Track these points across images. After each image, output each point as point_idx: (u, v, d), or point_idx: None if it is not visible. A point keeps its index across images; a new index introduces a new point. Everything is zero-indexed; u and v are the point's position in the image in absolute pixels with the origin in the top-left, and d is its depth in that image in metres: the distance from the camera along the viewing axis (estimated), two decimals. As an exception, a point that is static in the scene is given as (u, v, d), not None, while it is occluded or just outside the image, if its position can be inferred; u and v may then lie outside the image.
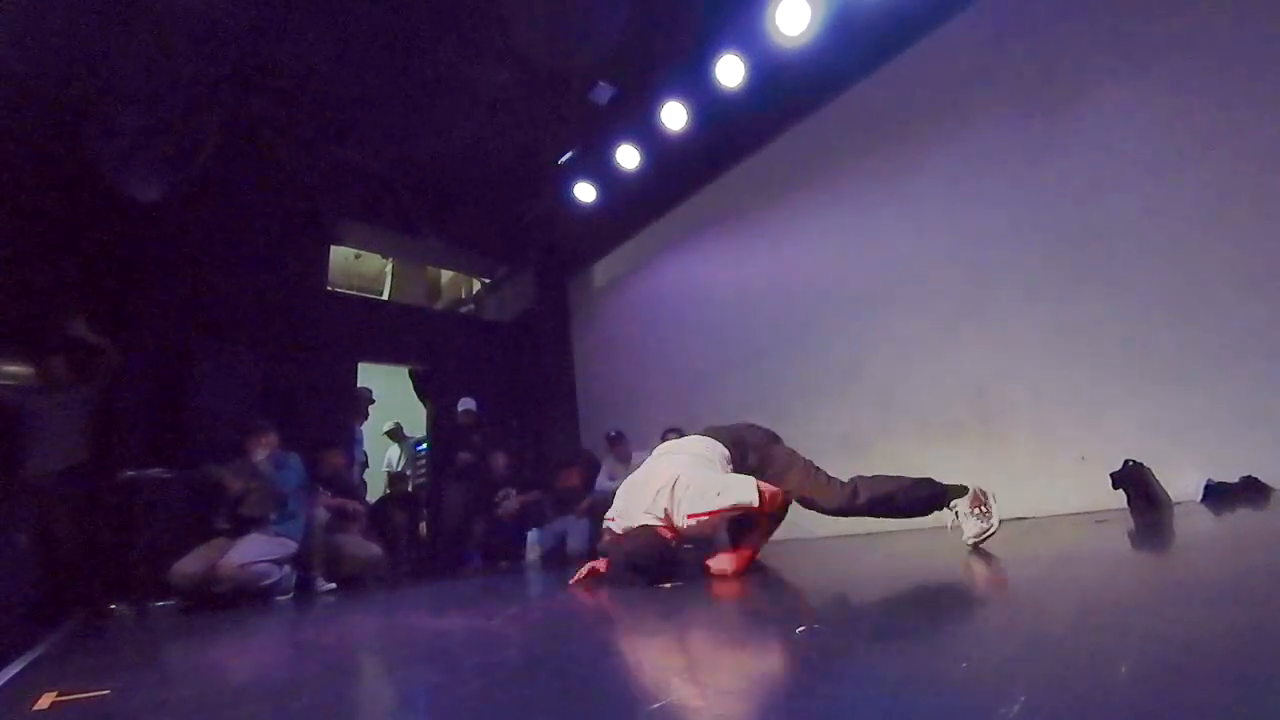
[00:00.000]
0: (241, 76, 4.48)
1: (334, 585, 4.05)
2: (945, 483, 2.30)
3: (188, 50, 4.07)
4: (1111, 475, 2.90)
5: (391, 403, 6.95)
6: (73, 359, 4.26)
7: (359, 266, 8.12)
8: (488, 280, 8.08)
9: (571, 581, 2.64)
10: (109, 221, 4.59)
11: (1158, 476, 2.83)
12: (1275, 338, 2.73)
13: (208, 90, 4.37)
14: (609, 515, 2.58)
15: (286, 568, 3.74)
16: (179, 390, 4.60)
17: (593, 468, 5.34)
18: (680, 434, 4.53)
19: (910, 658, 0.92)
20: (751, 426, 2.69)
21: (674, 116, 5.01)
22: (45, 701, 1.28)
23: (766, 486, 2.18)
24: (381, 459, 7.22)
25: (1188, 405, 2.95)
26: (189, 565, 3.40)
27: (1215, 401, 2.87)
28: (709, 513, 2.18)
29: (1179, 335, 3.00)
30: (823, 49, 4.30)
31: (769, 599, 1.87)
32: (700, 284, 5.74)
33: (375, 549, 4.33)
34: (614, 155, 5.49)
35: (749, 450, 2.52)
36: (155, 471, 4.00)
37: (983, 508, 2.21)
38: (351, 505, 4.47)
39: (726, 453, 2.50)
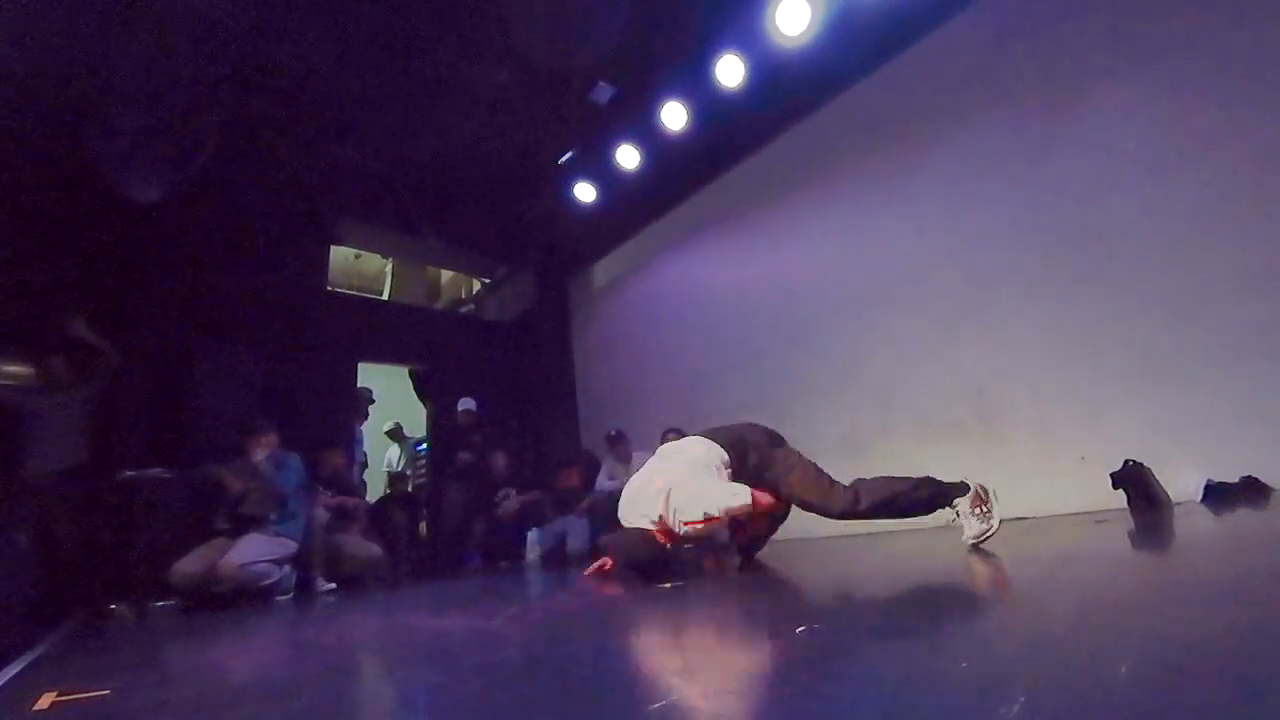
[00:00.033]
0: (241, 76, 4.48)
1: (334, 585, 4.05)
2: (946, 481, 2.29)
3: (188, 50, 4.07)
4: (1111, 475, 2.90)
5: (391, 403, 6.95)
6: (73, 359, 4.26)
7: (359, 266, 8.12)
8: (488, 280, 8.08)
9: (585, 572, 2.73)
10: (109, 221, 4.59)
11: (1158, 476, 2.83)
12: (1275, 338, 2.73)
13: (208, 90, 4.37)
14: (619, 514, 2.65)
15: (286, 568, 3.74)
16: (179, 390, 4.60)
17: (592, 468, 5.34)
18: (680, 434, 4.54)
19: (910, 658, 0.92)
20: (753, 426, 2.68)
21: (674, 116, 5.01)
22: (45, 701, 1.28)
23: (761, 495, 2.23)
24: (381, 459, 7.22)
25: (1188, 405, 2.95)
26: (189, 565, 3.40)
27: (1215, 401, 2.87)
28: (705, 520, 2.25)
29: (1179, 335, 3.00)
30: (823, 49, 4.30)
31: (769, 599, 1.87)
32: (700, 284, 5.74)
33: (375, 549, 4.34)
34: (614, 155, 5.49)
35: (749, 450, 2.51)
36: (155, 471, 4.00)
37: (983, 507, 2.21)
38: (352, 502, 4.48)
39: (725, 456, 2.49)
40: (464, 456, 5.76)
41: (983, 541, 2.17)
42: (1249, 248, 2.83)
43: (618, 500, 4.68)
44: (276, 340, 5.28)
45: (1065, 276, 3.42)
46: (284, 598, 3.69)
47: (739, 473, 2.49)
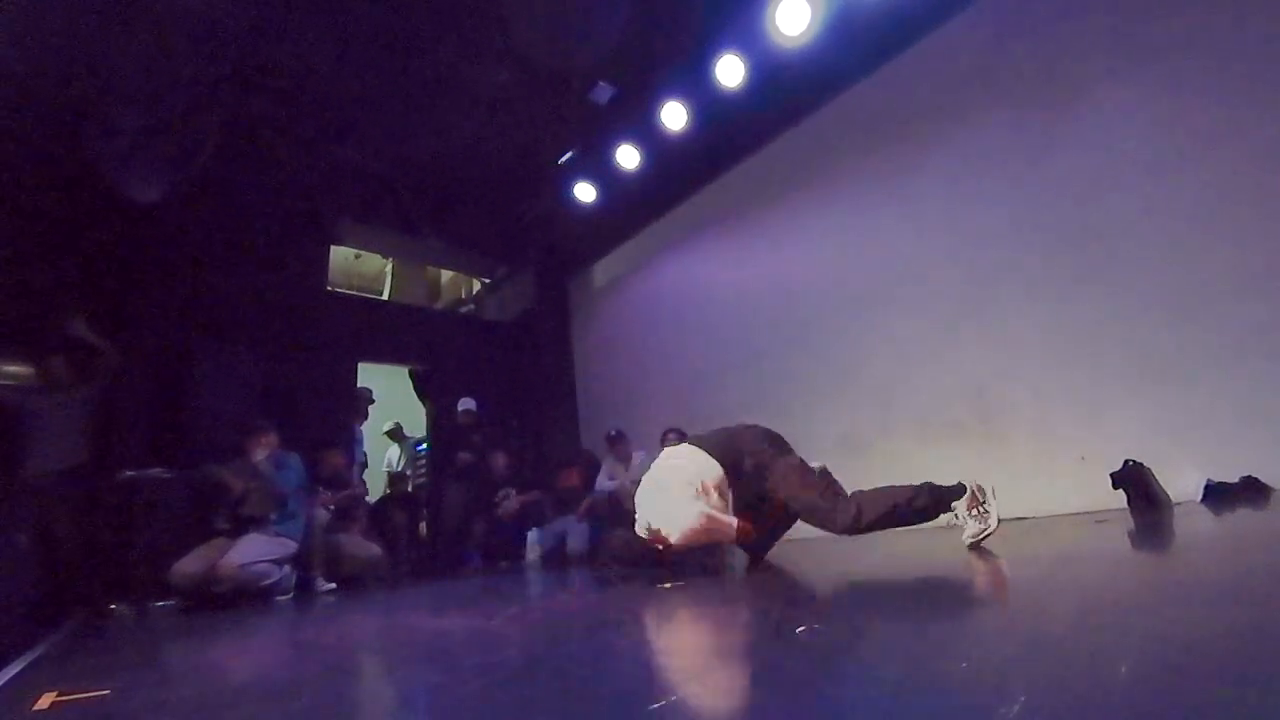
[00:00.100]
0: (241, 76, 4.48)
1: (334, 585, 4.05)
2: (943, 484, 2.28)
3: (188, 50, 4.07)
4: (1111, 475, 2.90)
5: (391, 403, 6.95)
6: (73, 359, 4.26)
7: (359, 266, 8.12)
8: (488, 280, 8.08)
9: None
10: (109, 221, 4.59)
11: (1158, 476, 2.83)
12: (1275, 338, 2.73)
13: (208, 90, 4.37)
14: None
15: (286, 568, 3.74)
16: (179, 390, 4.60)
17: (592, 468, 5.34)
18: (680, 434, 4.55)
19: (910, 658, 0.92)
20: (749, 429, 2.63)
21: (674, 116, 5.01)
22: (45, 701, 1.28)
23: (721, 527, 2.36)
24: (381, 459, 7.22)
25: (1188, 405, 2.95)
26: (189, 565, 3.40)
27: (1215, 401, 2.87)
28: (693, 537, 2.36)
29: (1179, 335, 3.00)
30: (823, 49, 4.30)
31: (769, 599, 1.87)
32: (700, 284, 5.74)
33: (375, 549, 4.34)
34: (614, 155, 5.49)
35: (744, 457, 2.49)
36: (155, 471, 4.00)
37: (980, 508, 2.21)
38: (351, 492, 4.49)
39: (717, 473, 2.46)
40: (464, 456, 5.76)
41: (981, 541, 2.17)
42: (1249, 248, 2.83)
43: (617, 500, 4.73)
44: (276, 340, 5.28)
45: (1065, 276, 3.42)
46: (284, 598, 3.69)
47: (734, 483, 2.50)
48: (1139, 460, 2.88)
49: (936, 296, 3.97)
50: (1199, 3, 3.10)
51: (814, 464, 2.77)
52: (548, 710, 0.84)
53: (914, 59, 4.25)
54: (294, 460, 4.00)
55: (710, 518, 2.34)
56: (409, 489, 6.74)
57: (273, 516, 3.72)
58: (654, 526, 2.44)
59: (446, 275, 8.77)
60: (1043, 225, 3.53)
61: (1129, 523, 2.50)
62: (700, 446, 2.57)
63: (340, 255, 7.24)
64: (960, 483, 2.28)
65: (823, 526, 2.33)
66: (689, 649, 1.28)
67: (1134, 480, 2.84)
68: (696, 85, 4.81)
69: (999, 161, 3.76)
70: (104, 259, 4.65)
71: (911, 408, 4.03)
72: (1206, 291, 2.94)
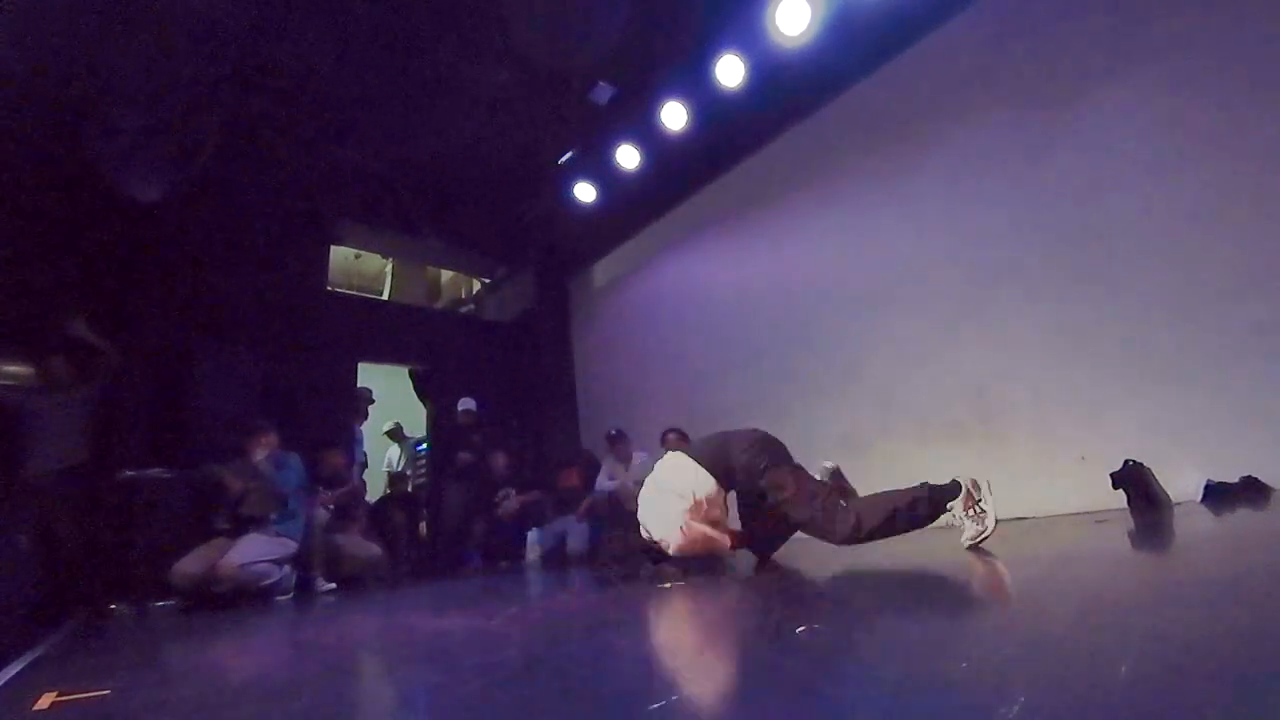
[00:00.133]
0: (241, 76, 4.48)
1: (334, 585, 4.05)
2: (938, 484, 2.26)
3: (188, 50, 4.07)
4: (1111, 475, 2.90)
5: (391, 403, 6.95)
6: (73, 359, 4.26)
7: (359, 266, 8.12)
8: (488, 280, 8.08)
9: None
10: (109, 221, 4.59)
11: (1158, 476, 2.83)
12: (1275, 338, 2.73)
13: (208, 90, 4.37)
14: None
15: (286, 568, 3.74)
16: (179, 390, 4.60)
17: (592, 468, 5.34)
18: (681, 434, 4.55)
19: (910, 658, 0.92)
20: (743, 437, 2.54)
21: (674, 116, 5.01)
22: (45, 701, 1.28)
23: (735, 539, 2.54)
24: (381, 459, 7.22)
25: (1188, 405, 2.95)
26: (189, 565, 3.40)
27: (1215, 401, 2.87)
28: (688, 549, 2.45)
29: (1179, 335, 3.00)
30: (823, 49, 4.30)
31: (769, 599, 1.87)
32: (700, 284, 5.74)
33: (375, 549, 4.34)
34: (614, 155, 5.49)
35: (736, 469, 2.49)
36: (155, 471, 4.00)
37: (977, 507, 2.19)
38: (350, 489, 4.49)
39: (712, 485, 2.47)
40: (464, 456, 5.76)
41: (980, 543, 2.17)
42: (1249, 248, 2.83)
43: (617, 500, 4.73)
44: (276, 340, 5.29)
45: (1065, 276, 3.42)
46: (284, 598, 3.69)
47: (730, 489, 2.52)
48: (1139, 460, 2.88)
49: (936, 296, 3.97)
50: (1199, 3, 3.10)
51: (826, 463, 2.77)
52: (548, 710, 0.84)
53: (914, 59, 4.25)
54: (294, 460, 4.00)
55: (704, 534, 2.40)
56: (409, 489, 6.74)
57: (273, 516, 3.72)
58: (653, 536, 2.50)
59: (446, 275, 8.78)
60: (1043, 225, 3.53)
61: (1129, 523, 2.50)
62: (692, 456, 2.56)
63: (340, 255, 7.24)
64: (955, 480, 2.26)
65: (822, 538, 2.33)
66: (689, 649, 1.28)
67: (1134, 480, 2.84)
68: (696, 85, 4.81)
69: (999, 161, 3.76)
70: (104, 259, 4.65)
71: (911, 408, 4.03)
72: (1206, 291, 2.94)
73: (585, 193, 5.93)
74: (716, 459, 2.51)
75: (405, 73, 4.70)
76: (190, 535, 3.67)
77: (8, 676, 1.76)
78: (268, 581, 3.55)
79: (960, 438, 3.74)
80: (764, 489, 2.42)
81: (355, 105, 5.06)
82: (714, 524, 2.48)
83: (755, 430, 2.62)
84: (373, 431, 6.51)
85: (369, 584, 4.13)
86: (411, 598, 3.24)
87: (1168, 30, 3.16)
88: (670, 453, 2.72)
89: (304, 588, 3.92)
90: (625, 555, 2.69)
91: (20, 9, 3.60)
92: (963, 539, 2.19)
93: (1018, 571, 1.78)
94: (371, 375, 6.23)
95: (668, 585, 2.21)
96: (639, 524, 2.60)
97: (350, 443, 5.44)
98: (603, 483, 5.04)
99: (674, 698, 0.80)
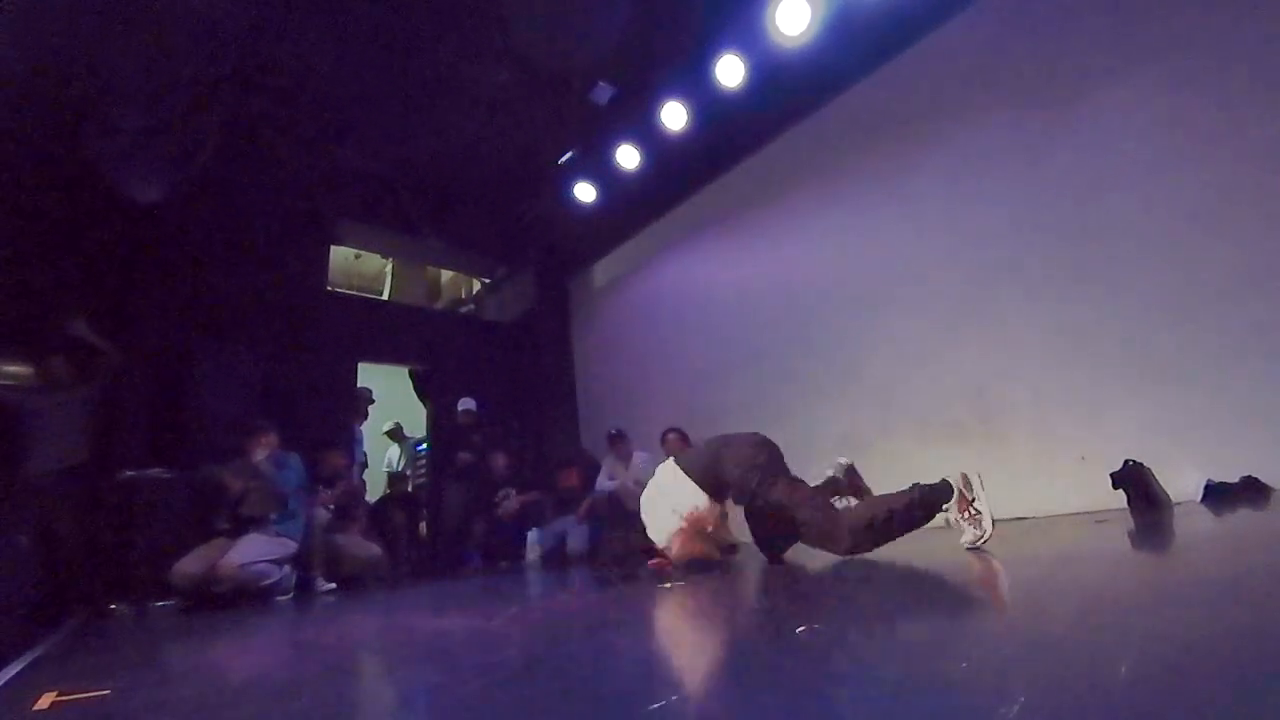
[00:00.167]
0: (241, 76, 4.48)
1: (334, 585, 4.05)
2: (931, 485, 2.25)
3: (188, 50, 4.07)
4: (1111, 475, 2.90)
5: (391, 403, 6.95)
6: (73, 359, 4.26)
7: (359, 266, 8.12)
8: (488, 280, 8.08)
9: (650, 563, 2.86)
10: (109, 221, 4.59)
11: (1158, 476, 2.83)
12: (1275, 338, 2.73)
13: (208, 90, 4.37)
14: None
15: (286, 568, 3.74)
16: (179, 390, 4.60)
17: (591, 468, 5.34)
18: (681, 434, 4.56)
19: (910, 658, 0.92)
20: (736, 450, 2.52)
21: (674, 116, 5.01)
22: (45, 701, 1.28)
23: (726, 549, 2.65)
24: (381, 459, 7.22)
25: (1188, 405, 2.95)
26: (189, 565, 3.40)
27: (1215, 401, 2.87)
28: (686, 559, 2.54)
29: (1179, 335, 3.00)
30: (823, 49, 4.30)
31: (769, 599, 1.87)
32: (700, 284, 5.74)
33: (375, 549, 4.34)
34: (614, 155, 5.49)
35: (727, 485, 2.50)
36: (155, 471, 4.00)
37: (971, 510, 2.16)
38: (349, 485, 4.50)
39: (704, 500, 2.50)
40: (464, 456, 5.76)
41: (979, 545, 2.17)
42: (1249, 248, 2.83)
43: (617, 500, 4.73)
44: (276, 340, 5.29)
45: (1065, 276, 3.42)
46: (284, 598, 3.69)
47: (722, 497, 2.55)
48: (1139, 460, 2.88)
49: (936, 296, 3.97)
50: (1199, 3, 3.10)
51: (841, 459, 2.78)
52: (548, 710, 0.84)
53: (914, 59, 4.25)
54: (294, 460, 4.00)
55: (693, 552, 2.49)
56: (409, 489, 6.74)
57: (273, 516, 3.72)
58: (656, 542, 2.58)
59: (446, 275, 8.77)
60: (1043, 225, 3.53)
61: (1129, 523, 2.50)
62: (685, 468, 2.57)
63: (340, 255, 7.24)
64: (945, 481, 2.23)
65: (823, 549, 2.34)
66: (689, 649, 1.28)
67: (1134, 480, 2.84)
68: (696, 85, 4.81)
69: (999, 161, 3.76)
70: (104, 259, 4.65)
71: (911, 408, 4.03)
72: (1206, 291, 2.94)
73: (585, 193, 5.93)
74: (708, 471, 2.52)
75: (405, 73, 4.70)
76: (190, 535, 3.67)
77: (8, 676, 1.76)
78: (268, 581, 3.55)
79: (960, 438, 3.74)
80: (760, 506, 2.44)
81: (355, 105, 5.06)
82: (709, 532, 2.53)
83: (750, 439, 2.57)
84: (373, 431, 6.52)
85: (369, 584, 4.13)
86: (411, 598, 3.24)
87: (1168, 30, 3.16)
88: (668, 460, 2.72)
89: (304, 588, 3.92)
90: (625, 555, 2.71)
91: (20, 9, 3.59)
92: (962, 540, 2.19)
93: (1018, 571, 1.78)
94: (371, 375, 6.23)
95: (668, 585, 2.21)
96: (642, 522, 2.63)
97: (350, 443, 5.44)
98: (603, 483, 5.04)
99: (674, 698, 0.80)
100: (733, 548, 2.75)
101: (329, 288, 6.41)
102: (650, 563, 2.68)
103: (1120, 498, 2.86)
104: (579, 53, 4.61)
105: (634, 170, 5.51)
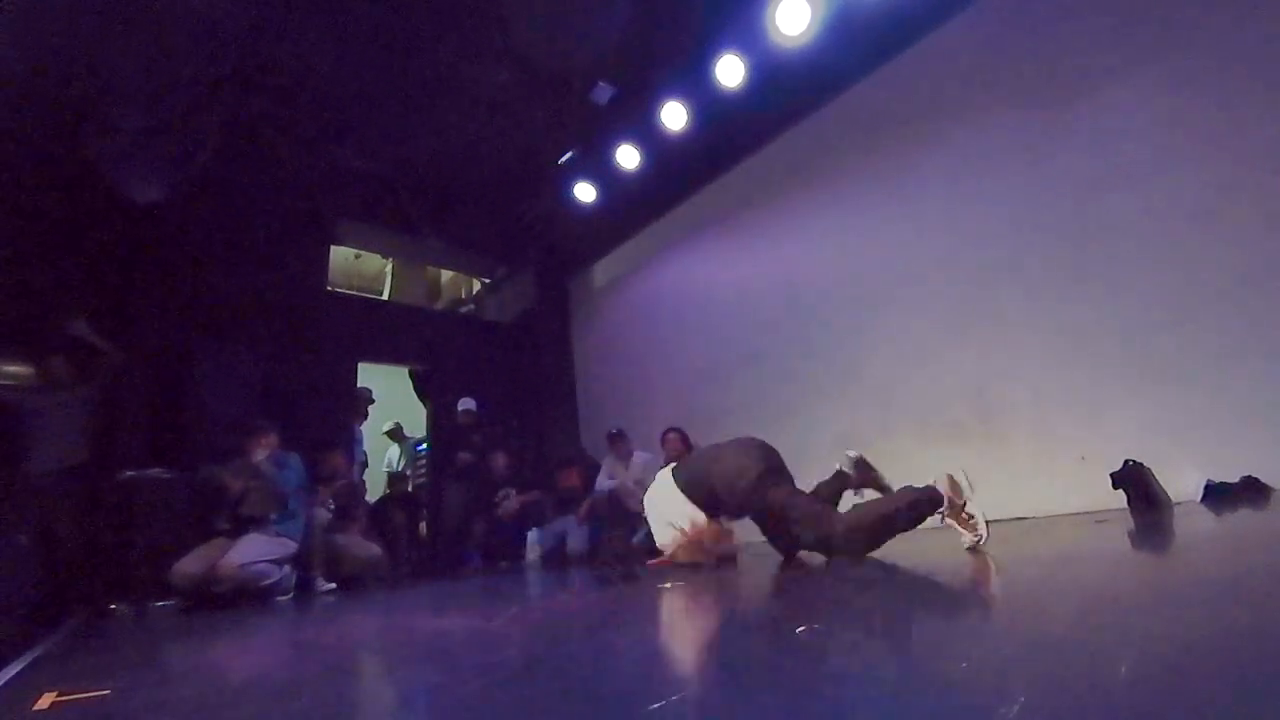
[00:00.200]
0: (241, 76, 4.49)
1: (334, 585, 4.05)
2: (921, 490, 2.22)
3: (188, 50, 4.07)
4: (1111, 475, 2.90)
5: (391, 403, 6.95)
6: (73, 359, 4.26)
7: (359, 266, 8.12)
8: (488, 280, 8.08)
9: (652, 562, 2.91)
10: (109, 221, 4.59)
11: (1158, 476, 2.83)
12: (1275, 338, 2.73)
13: (208, 90, 4.37)
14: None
15: (286, 568, 3.74)
16: (179, 390, 4.60)
17: (591, 468, 5.34)
18: (681, 434, 4.56)
19: (910, 658, 0.92)
20: (727, 464, 2.51)
21: (674, 116, 5.01)
22: (45, 701, 1.28)
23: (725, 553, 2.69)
24: (381, 459, 7.22)
25: (1188, 405, 2.95)
26: (189, 565, 3.40)
27: (1215, 401, 2.87)
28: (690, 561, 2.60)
29: (1179, 335, 3.00)
30: (823, 49, 4.30)
31: (770, 599, 1.87)
32: (700, 284, 5.74)
33: (375, 549, 4.33)
34: (614, 155, 5.49)
35: (719, 501, 2.51)
36: (155, 471, 4.00)
37: (963, 514, 2.13)
38: (347, 482, 4.50)
39: (698, 518, 2.53)
40: (464, 456, 5.76)
41: (979, 547, 2.16)
42: (1249, 248, 2.83)
43: (617, 499, 4.74)
44: (276, 340, 5.29)
45: (1065, 276, 3.42)
46: (284, 598, 3.69)
47: (715, 512, 2.58)
48: (1139, 460, 2.88)
49: (936, 296, 3.97)
50: (1199, 3, 3.10)
51: (850, 452, 2.79)
52: (548, 710, 0.84)
53: (914, 59, 4.25)
54: (294, 460, 4.00)
55: (699, 558, 2.57)
56: (409, 489, 6.74)
57: (273, 516, 3.72)
58: (659, 544, 2.63)
59: (446, 275, 8.77)
60: (1043, 225, 3.53)
61: (1129, 523, 2.50)
62: (678, 483, 2.60)
63: (340, 255, 7.24)
64: (933, 489, 2.17)
65: (825, 554, 2.34)
66: (689, 649, 1.28)
67: (1134, 480, 2.84)
68: (696, 85, 4.81)
69: (999, 161, 3.76)
70: (104, 259, 4.65)
71: (911, 408, 4.04)
72: (1206, 291, 2.94)
73: (585, 193, 5.93)
74: (700, 487, 2.54)
75: (405, 73, 4.70)
76: (190, 535, 3.67)
77: (8, 676, 1.76)
78: (268, 581, 3.55)
79: (960, 438, 3.74)
80: (759, 513, 2.45)
81: (355, 105, 5.06)
82: (707, 546, 2.59)
83: (739, 450, 2.54)
84: (373, 431, 6.52)
85: (369, 584, 4.12)
86: (411, 598, 3.24)
87: (1168, 30, 3.16)
88: (665, 470, 2.75)
89: (304, 588, 3.92)
90: (625, 555, 2.71)
91: (20, 9, 3.60)
92: (961, 541, 2.19)
93: (1018, 571, 1.78)
94: (371, 375, 6.23)
95: (668, 585, 2.21)
96: (644, 522, 2.66)
97: (350, 443, 5.45)
98: (602, 482, 5.04)
99: (674, 698, 0.80)
100: (732, 560, 2.76)
101: (329, 288, 6.41)
102: (650, 562, 2.69)
103: (1120, 498, 2.86)
104: (579, 53, 4.61)
105: (634, 170, 5.51)
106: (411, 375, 6.78)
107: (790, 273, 4.92)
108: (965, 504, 2.15)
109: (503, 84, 4.85)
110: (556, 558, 4.85)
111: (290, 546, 3.77)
